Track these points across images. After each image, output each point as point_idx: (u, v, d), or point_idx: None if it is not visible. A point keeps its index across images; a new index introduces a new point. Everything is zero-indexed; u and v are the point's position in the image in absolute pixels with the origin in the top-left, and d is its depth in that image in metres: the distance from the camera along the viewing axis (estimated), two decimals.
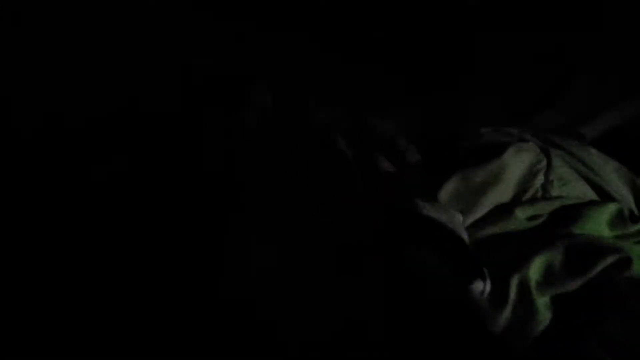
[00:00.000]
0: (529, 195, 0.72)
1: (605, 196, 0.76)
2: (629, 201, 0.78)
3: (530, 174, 0.73)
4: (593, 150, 0.82)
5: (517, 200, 0.72)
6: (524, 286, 0.61)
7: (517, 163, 0.73)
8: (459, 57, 1.07)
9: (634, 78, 0.95)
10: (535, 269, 0.62)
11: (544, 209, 0.70)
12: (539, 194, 0.73)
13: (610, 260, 0.62)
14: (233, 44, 0.99)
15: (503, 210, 0.70)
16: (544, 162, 0.74)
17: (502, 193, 0.71)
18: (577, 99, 0.97)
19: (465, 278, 0.58)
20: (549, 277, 0.62)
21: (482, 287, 0.58)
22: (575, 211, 0.69)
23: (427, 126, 1.00)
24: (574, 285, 0.62)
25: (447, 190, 0.71)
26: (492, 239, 0.68)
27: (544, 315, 0.61)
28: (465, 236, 0.64)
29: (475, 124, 0.89)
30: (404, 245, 0.61)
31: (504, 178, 0.72)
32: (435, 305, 0.56)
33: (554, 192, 0.73)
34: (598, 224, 0.68)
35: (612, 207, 0.71)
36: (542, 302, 0.61)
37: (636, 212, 0.77)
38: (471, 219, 0.69)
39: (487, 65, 1.02)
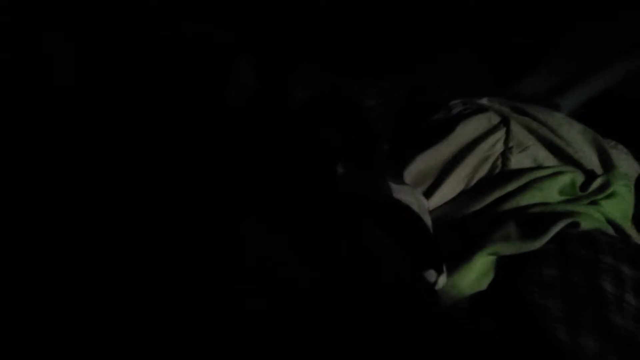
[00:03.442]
0: (489, 164, 0.77)
1: (567, 158, 0.79)
2: (592, 160, 0.81)
3: (487, 144, 0.77)
4: (558, 114, 0.85)
5: (477, 170, 0.77)
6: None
7: (472, 135, 0.78)
8: (446, 24, 1.08)
9: (616, 45, 0.94)
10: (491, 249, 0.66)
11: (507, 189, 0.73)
12: (499, 161, 0.77)
13: (560, 226, 0.66)
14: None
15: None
16: (502, 130, 0.78)
17: (462, 169, 0.75)
18: (558, 67, 0.98)
19: (421, 265, 0.60)
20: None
21: (434, 277, 0.59)
22: (525, 183, 0.73)
23: (408, 93, 1.02)
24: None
25: (410, 172, 0.76)
26: (450, 220, 0.73)
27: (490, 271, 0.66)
28: (429, 222, 0.68)
29: (455, 93, 0.92)
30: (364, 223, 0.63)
31: (461, 153, 0.76)
32: (386, 284, 0.57)
33: (513, 158, 0.77)
34: (548, 193, 0.72)
35: (563, 179, 0.74)
36: (489, 260, 0.66)
37: (600, 171, 0.80)
38: (436, 199, 0.74)
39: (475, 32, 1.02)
